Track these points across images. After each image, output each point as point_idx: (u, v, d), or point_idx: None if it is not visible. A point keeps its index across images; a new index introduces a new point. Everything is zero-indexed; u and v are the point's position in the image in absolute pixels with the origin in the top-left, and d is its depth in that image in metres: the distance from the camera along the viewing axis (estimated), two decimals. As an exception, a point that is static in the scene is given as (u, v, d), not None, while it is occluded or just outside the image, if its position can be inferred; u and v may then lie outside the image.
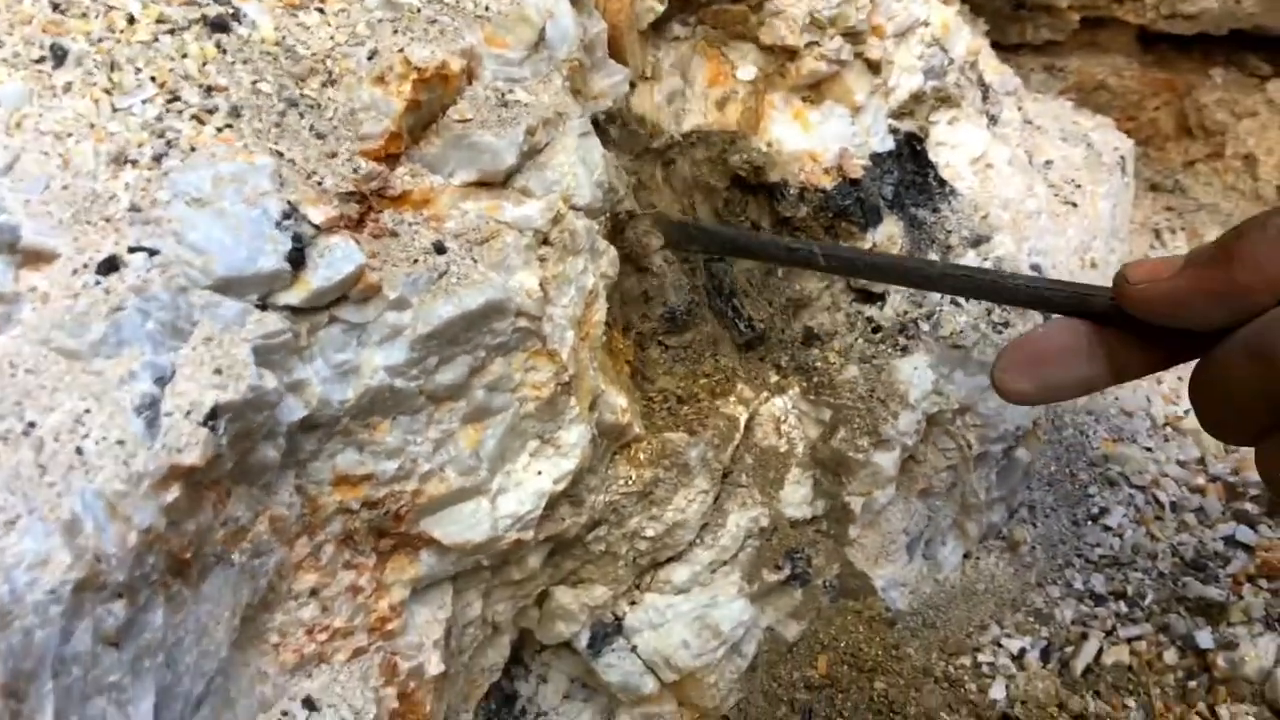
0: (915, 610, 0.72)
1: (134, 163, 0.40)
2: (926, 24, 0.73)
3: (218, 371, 0.37)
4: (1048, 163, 0.81)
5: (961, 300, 0.67)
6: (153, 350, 0.37)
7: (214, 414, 0.37)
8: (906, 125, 0.72)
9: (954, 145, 0.75)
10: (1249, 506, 0.77)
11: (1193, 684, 0.65)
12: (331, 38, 0.48)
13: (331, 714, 0.43)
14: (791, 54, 0.67)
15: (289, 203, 0.41)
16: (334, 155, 0.44)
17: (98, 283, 0.37)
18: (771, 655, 0.65)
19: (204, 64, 0.44)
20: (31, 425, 0.34)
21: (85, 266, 0.37)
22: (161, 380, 0.36)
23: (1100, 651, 0.69)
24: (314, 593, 0.45)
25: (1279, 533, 0.74)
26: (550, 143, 0.51)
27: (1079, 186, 0.80)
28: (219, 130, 0.43)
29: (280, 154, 0.43)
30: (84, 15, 0.44)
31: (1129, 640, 0.69)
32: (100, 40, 0.43)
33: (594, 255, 0.52)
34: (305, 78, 0.46)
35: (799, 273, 0.67)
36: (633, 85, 0.62)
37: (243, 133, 0.43)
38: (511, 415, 0.49)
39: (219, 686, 0.39)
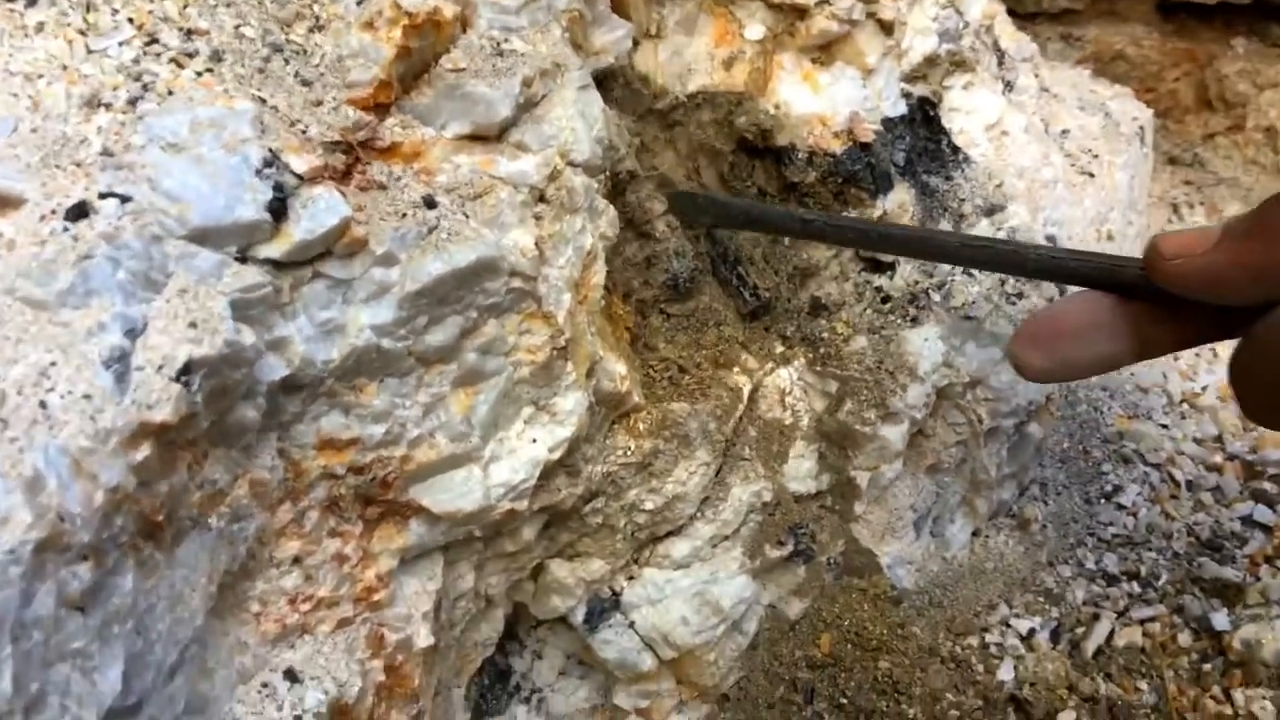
0: (922, 589, 0.70)
1: (108, 106, 0.38)
2: (941, -16, 0.70)
3: (192, 325, 0.35)
4: (1064, 132, 0.78)
5: (974, 270, 0.65)
6: (123, 301, 0.35)
7: (187, 369, 0.35)
8: (920, 89, 0.70)
9: (968, 111, 0.72)
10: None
11: (1207, 667, 0.63)
12: (319, -19, 0.45)
13: (315, 686, 0.41)
14: (801, 12, 0.64)
15: (270, 150, 0.39)
16: (320, 103, 0.42)
17: (66, 229, 0.35)
18: (773, 633, 0.63)
19: (185, 6, 0.42)
20: (-8, 377, 0.32)
21: (53, 213, 0.35)
22: (132, 333, 0.35)
23: (1112, 633, 0.67)
24: (297, 561, 0.43)
25: (1298, 513, 0.72)
26: (548, 95, 0.48)
27: (1096, 156, 0.77)
28: (198, 75, 0.41)
29: (263, 100, 0.41)
30: (58, -47, 0.41)
31: (1142, 621, 0.67)
32: (75, -21, 0.41)
33: (593, 214, 0.50)
34: (291, 22, 0.44)
35: (807, 241, 0.65)
36: (636, 43, 0.59)
37: (224, 77, 0.41)
38: (505, 380, 0.47)
39: (194, 655, 0.37)
